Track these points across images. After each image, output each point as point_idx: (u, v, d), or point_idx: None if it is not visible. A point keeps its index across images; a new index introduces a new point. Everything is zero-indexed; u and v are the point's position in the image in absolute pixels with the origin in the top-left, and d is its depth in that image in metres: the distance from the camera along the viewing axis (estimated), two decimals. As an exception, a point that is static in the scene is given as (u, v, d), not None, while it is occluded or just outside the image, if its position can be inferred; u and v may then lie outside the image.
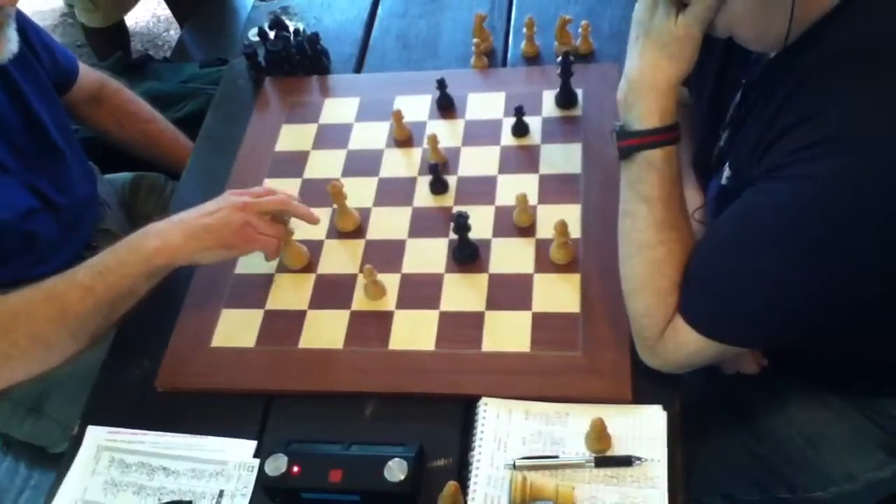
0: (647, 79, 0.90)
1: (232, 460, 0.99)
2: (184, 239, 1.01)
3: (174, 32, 3.03)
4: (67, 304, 1.00)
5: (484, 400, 0.99)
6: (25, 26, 1.26)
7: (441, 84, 1.30)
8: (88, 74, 1.46)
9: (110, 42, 2.42)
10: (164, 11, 3.09)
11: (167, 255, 1.01)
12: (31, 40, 1.28)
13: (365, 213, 1.20)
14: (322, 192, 1.19)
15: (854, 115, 0.75)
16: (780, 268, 0.81)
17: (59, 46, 1.39)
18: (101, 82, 1.49)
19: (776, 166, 0.81)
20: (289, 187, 1.26)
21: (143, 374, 1.09)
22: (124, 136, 1.53)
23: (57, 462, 1.07)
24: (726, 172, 0.97)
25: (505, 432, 0.96)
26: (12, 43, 1.13)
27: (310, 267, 1.16)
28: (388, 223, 1.19)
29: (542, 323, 1.04)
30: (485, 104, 1.32)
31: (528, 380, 1.00)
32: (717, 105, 1.03)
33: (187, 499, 0.97)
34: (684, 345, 0.90)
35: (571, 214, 1.13)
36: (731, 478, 1.18)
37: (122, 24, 2.50)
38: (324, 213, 1.21)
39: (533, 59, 1.39)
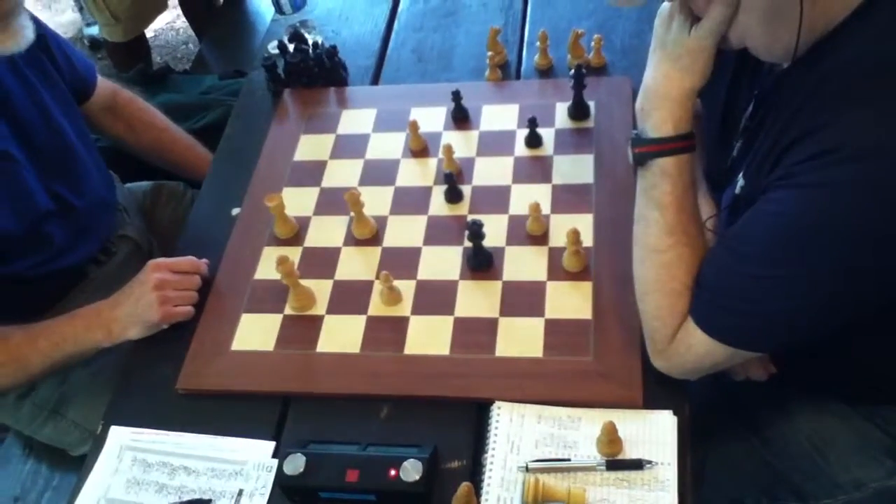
0: (661, 89, 0.93)
1: (251, 460, 1.02)
2: (121, 328, 1.15)
3: (193, 46, 3.08)
4: (28, 366, 1.18)
5: (497, 404, 1.01)
6: (46, 35, 1.29)
7: (456, 96, 1.33)
8: (103, 84, 1.49)
9: (131, 55, 2.46)
10: (183, 25, 3.15)
11: (111, 341, 1.17)
12: (51, 49, 1.31)
13: (381, 221, 1.23)
14: (339, 201, 1.22)
15: (859, 126, 0.77)
16: (788, 274, 0.83)
17: (80, 56, 1.43)
18: (114, 91, 1.52)
19: (785, 175, 0.83)
20: (307, 196, 1.30)
21: (164, 376, 1.12)
22: (138, 144, 1.56)
23: (78, 464, 1.09)
24: (740, 182, 0.99)
25: (518, 435, 0.98)
26: (28, 30, 1.14)
27: (327, 273, 1.19)
28: (404, 231, 1.22)
29: (555, 329, 1.06)
30: (499, 116, 1.35)
31: (540, 384, 1.02)
32: (729, 116, 1.06)
33: (207, 497, 1.00)
34: (694, 347, 0.92)
35: (583, 224, 1.15)
36: (740, 485, 1.19)
37: (142, 37, 2.54)
38: (341, 222, 1.25)
39: (546, 72, 1.42)
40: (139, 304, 1.14)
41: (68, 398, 1.36)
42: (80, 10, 3.25)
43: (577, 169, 1.24)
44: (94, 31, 3.07)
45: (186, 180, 1.64)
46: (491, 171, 1.27)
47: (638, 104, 0.96)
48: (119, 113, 1.53)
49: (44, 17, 3.34)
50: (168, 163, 1.60)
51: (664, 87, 0.93)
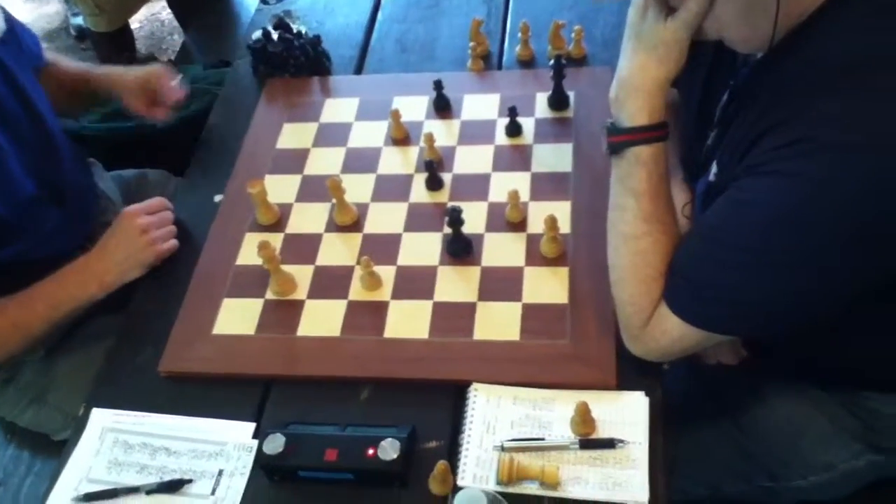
0: (636, 79, 0.95)
1: (231, 441, 1.03)
2: (117, 276, 1.21)
3: (178, 37, 3.08)
4: (30, 331, 1.21)
5: (474, 386, 1.03)
6: (2, 9, 1.27)
7: (438, 85, 1.35)
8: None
9: (115, 46, 2.46)
10: (168, 16, 3.14)
11: (105, 291, 1.21)
12: (15, 30, 1.30)
13: (363, 208, 1.25)
14: (322, 188, 1.24)
15: (830, 117, 0.79)
16: (759, 259, 0.85)
17: (31, 32, 1.39)
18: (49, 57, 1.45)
19: (756, 163, 0.85)
20: (289, 183, 1.31)
21: (147, 359, 1.13)
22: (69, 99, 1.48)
23: (59, 449, 1.10)
24: (713, 170, 1.01)
25: (494, 416, 1.00)
26: (0, 19, 1.14)
27: (308, 259, 1.20)
28: (385, 218, 1.23)
29: (532, 313, 1.08)
30: (480, 105, 1.37)
31: (516, 367, 1.04)
32: (705, 106, 1.08)
33: (188, 477, 1.01)
34: (668, 332, 0.94)
35: (561, 211, 1.17)
36: (716, 468, 1.21)
37: (126, 27, 2.54)
38: (323, 208, 1.26)
39: (527, 63, 1.44)
40: (130, 251, 1.20)
41: (52, 383, 1.36)
42: (66, 0, 3.24)
43: (555, 158, 1.26)
44: (80, 20, 3.07)
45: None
46: (471, 160, 1.29)
47: (612, 94, 0.98)
48: (52, 78, 1.44)
49: (29, 7, 3.35)
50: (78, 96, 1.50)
51: (639, 78, 0.95)
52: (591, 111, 1.32)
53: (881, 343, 1.03)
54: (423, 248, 1.18)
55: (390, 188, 1.27)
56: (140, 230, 1.21)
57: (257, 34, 1.52)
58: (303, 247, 1.22)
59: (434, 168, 1.24)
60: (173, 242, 1.24)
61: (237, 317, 1.15)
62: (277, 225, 1.26)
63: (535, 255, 1.14)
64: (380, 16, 1.62)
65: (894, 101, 0.77)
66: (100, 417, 1.09)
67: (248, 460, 1.01)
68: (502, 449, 0.96)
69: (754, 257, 0.86)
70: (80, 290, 1.20)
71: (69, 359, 1.36)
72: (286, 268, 1.17)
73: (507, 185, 1.20)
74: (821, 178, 0.78)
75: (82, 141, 1.56)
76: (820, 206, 0.79)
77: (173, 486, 1.00)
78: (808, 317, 0.90)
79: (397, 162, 1.31)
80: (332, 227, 1.24)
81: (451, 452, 0.98)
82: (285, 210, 1.27)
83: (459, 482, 0.95)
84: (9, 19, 1.29)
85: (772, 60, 0.89)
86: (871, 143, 0.76)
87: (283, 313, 1.14)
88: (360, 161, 1.32)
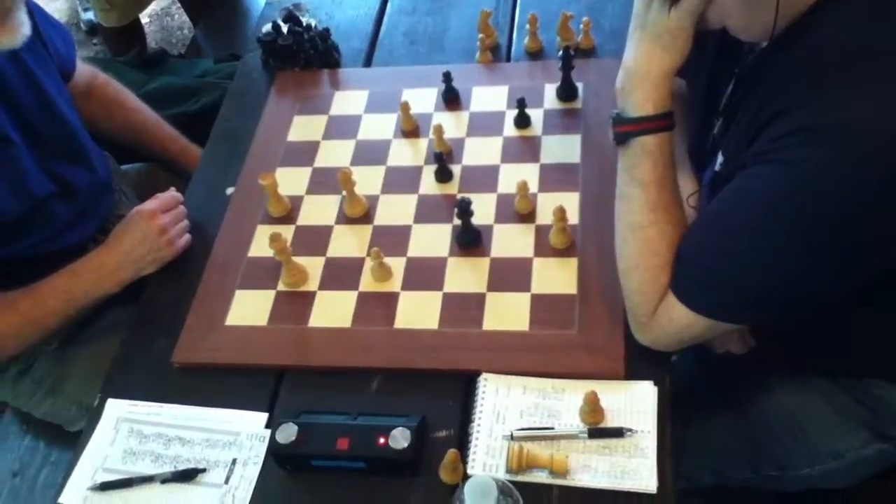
0: (642, 69, 0.95)
1: (244, 431, 1.05)
2: (133, 273, 1.24)
3: (188, 31, 3.09)
4: (45, 325, 1.24)
5: (484, 375, 1.04)
6: (34, 12, 1.29)
7: (447, 77, 1.35)
8: (82, 66, 1.49)
9: (126, 40, 2.47)
10: (179, 11, 3.16)
11: (120, 286, 1.24)
12: (41, 31, 1.31)
13: (373, 200, 1.26)
14: (332, 180, 1.25)
15: (834, 105, 0.80)
16: (764, 247, 0.86)
17: (64, 35, 1.42)
18: (93, 73, 1.53)
19: (762, 151, 0.86)
20: (300, 176, 1.32)
21: (161, 350, 1.14)
22: (112, 126, 1.56)
23: (74, 440, 1.12)
24: (719, 159, 1.02)
25: (503, 405, 1.01)
26: (25, 26, 1.15)
27: (319, 250, 1.21)
28: (395, 209, 1.24)
29: (541, 304, 1.09)
30: (488, 97, 1.37)
31: (526, 357, 1.05)
32: (711, 96, 1.08)
33: (202, 467, 1.02)
34: (675, 321, 0.95)
35: (570, 202, 1.18)
36: (722, 457, 1.22)
37: (137, 22, 2.55)
38: (333, 200, 1.27)
39: (536, 55, 1.44)
40: (148, 249, 1.23)
41: (67, 374, 1.38)
42: (77, -6, 3.26)
43: (564, 149, 1.27)
44: (91, 15, 3.08)
45: (152, 160, 1.64)
46: (480, 151, 1.29)
47: (618, 84, 0.98)
48: (96, 95, 1.53)
49: (40, 3, 3.36)
50: (137, 143, 1.60)
51: (644, 67, 0.95)
52: (599, 102, 1.32)
53: (886, 331, 1.03)
54: (432, 240, 1.19)
55: (400, 180, 1.28)
56: (159, 231, 1.22)
57: (267, 28, 1.53)
58: (314, 238, 1.23)
59: (443, 160, 1.25)
60: (188, 237, 1.26)
61: (250, 308, 1.16)
62: (289, 217, 1.27)
63: (543, 246, 1.15)
64: (389, 8, 1.62)
65: (894, 87, 0.77)
66: (114, 408, 1.10)
67: (261, 449, 1.03)
68: (512, 438, 0.97)
69: (759, 244, 0.86)
70: (95, 285, 1.22)
71: (83, 350, 1.38)
72: (297, 259, 1.18)
73: (516, 176, 1.21)
74: (823, 164, 0.79)
75: (94, 135, 1.58)
76: (822, 191, 0.80)
77: (187, 475, 1.01)
78: (814, 303, 0.90)
79: (407, 154, 1.32)
80: (343, 218, 1.25)
81: (462, 441, 0.99)
82: (296, 202, 1.28)
83: (469, 471, 0.96)
84: (37, 24, 1.29)
85: (775, 49, 0.89)
86: (871, 130, 0.77)
87: (295, 304, 1.15)
88: (370, 153, 1.33)
